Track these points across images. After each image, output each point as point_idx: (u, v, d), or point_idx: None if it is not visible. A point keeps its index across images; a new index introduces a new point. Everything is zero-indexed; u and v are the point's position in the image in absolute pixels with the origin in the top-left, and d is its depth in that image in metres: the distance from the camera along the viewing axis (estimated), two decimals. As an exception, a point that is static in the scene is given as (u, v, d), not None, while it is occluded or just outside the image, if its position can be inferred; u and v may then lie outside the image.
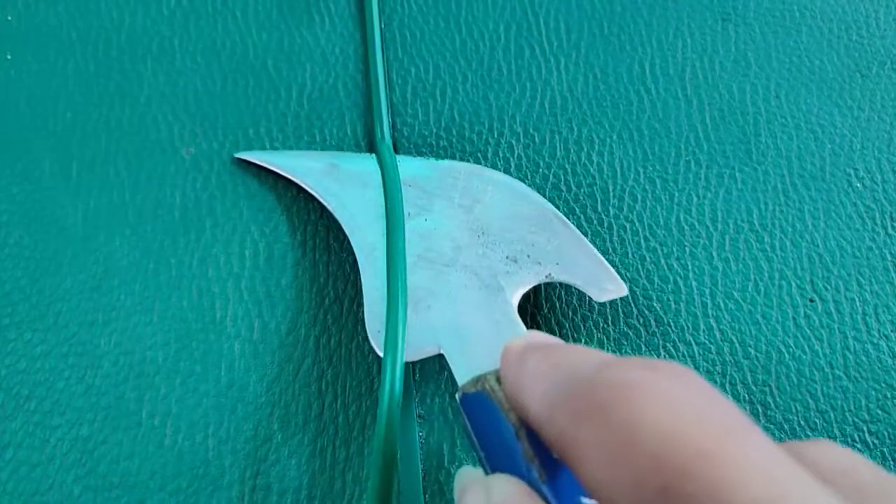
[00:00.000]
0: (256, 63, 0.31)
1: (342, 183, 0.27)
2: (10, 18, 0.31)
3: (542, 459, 0.15)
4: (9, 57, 0.31)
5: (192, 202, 0.28)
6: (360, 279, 0.25)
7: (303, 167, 0.28)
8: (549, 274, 0.25)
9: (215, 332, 0.26)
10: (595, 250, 0.26)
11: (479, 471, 0.17)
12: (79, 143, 0.29)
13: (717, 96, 0.30)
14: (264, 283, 0.26)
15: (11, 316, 0.26)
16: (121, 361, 0.25)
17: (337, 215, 0.27)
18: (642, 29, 0.31)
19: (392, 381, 0.22)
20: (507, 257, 0.25)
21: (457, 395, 0.18)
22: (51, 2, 0.32)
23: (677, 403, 0.11)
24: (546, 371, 0.14)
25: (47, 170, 0.29)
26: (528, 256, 0.25)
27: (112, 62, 0.31)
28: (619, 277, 0.25)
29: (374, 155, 0.29)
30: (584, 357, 0.14)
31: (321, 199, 0.27)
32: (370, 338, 0.24)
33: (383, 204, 0.27)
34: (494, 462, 0.16)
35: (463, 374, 0.21)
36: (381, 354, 0.23)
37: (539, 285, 0.26)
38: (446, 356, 0.22)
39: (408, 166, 0.28)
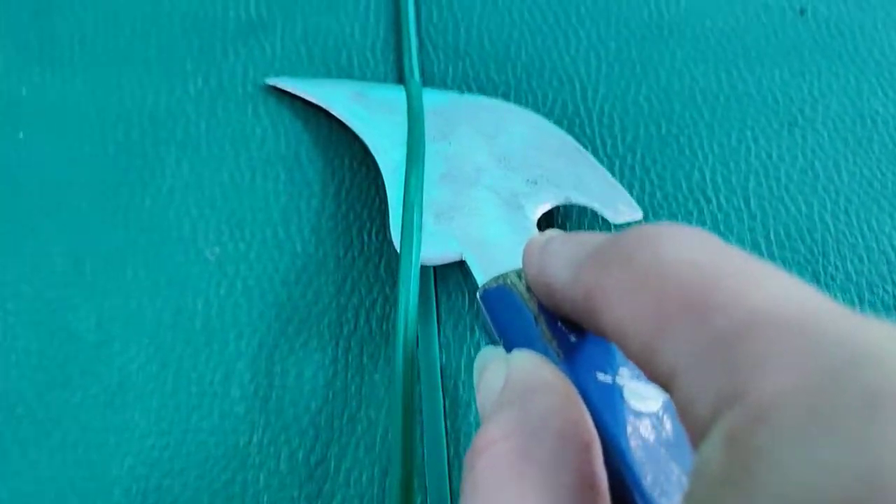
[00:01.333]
0: (289, 154, 0.29)
1: (369, 109, 0.28)
2: (23, 93, 0.29)
3: (560, 341, 0.16)
4: (21, 136, 0.29)
5: (215, 310, 0.26)
6: (385, 194, 0.26)
7: (331, 94, 0.29)
8: (567, 196, 0.26)
9: (238, 459, 0.24)
10: (611, 176, 0.27)
11: (499, 349, 0.17)
12: (94, 238, 0.27)
13: (782, 210, 0.28)
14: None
15: (15, 433, 0.24)
16: (133, 489, 0.23)
17: (363, 137, 0.27)
18: (703, 131, 0.29)
19: (409, 271, 0.23)
20: (527, 180, 0.26)
21: (478, 294, 0.19)
22: (68, 76, 0.30)
23: (694, 243, 0.13)
24: (571, 246, 0.15)
25: (59, 266, 0.26)
26: (548, 180, 0.26)
27: (133, 146, 0.29)
28: (633, 201, 0.26)
29: (400, 85, 0.29)
30: (604, 235, 0.15)
31: (348, 123, 0.28)
32: (394, 243, 0.24)
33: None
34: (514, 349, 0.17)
35: (483, 277, 0.21)
36: None
37: (556, 210, 0.26)
38: (468, 261, 0.23)
39: (433, 97, 0.29)
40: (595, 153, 0.29)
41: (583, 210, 0.27)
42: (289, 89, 0.29)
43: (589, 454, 0.14)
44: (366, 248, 0.27)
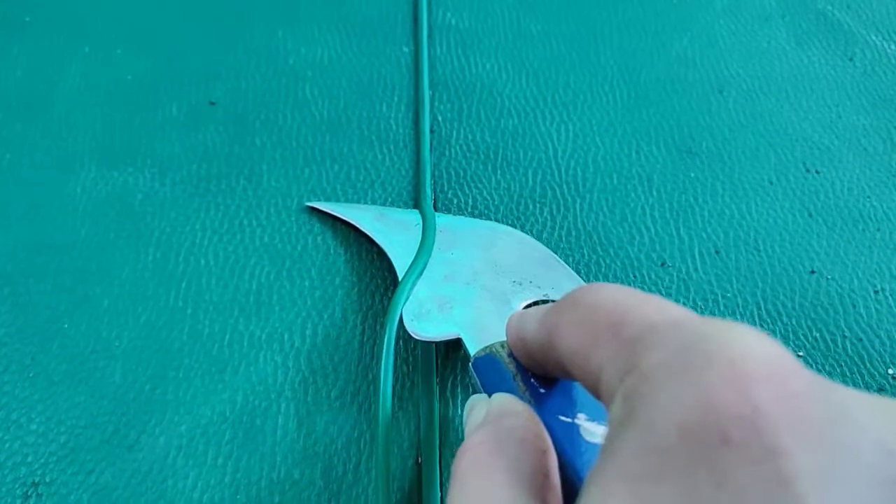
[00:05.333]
0: (324, 258, 0.37)
1: (388, 226, 0.35)
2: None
3: (532, 392, 0.21)
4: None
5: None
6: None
7: (358, 215, 0.35)
8: (545, 294, 0.31)
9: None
10: (580, 279, 0.33)
11: (484, 395, 0.23)
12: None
13: (724, 272, 0.36)
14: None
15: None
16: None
17: (384, 247, 0.34)
18: (651, 194, 0.38)
19: (389, 337, 0.30)
20: (513, 282, 0.32)
21: (470, 363, 0.25)
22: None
23: (619, 290, 0.17)
24: (537, 308, 0.20)
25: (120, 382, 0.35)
26: (530, 282, 0.32)
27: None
28: None
29: (415, 210, 0.36)
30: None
31: (372, 237, 0.34)
32: (406, 326, 0.30)
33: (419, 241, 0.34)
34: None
35: (475, 350, 0.26)
36: (414, 336, 0.29)
37: (535, 303, 0.32)
38: (463, 339, 0.28)
39: (441, 219, 0.35)
40: (562, 195, 0.37)
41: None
42: (325, 210, 0.36)
43: (544, 456, 0.19)
44: (380, 327, 0.32)
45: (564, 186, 0.38)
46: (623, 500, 0.13)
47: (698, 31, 0.45)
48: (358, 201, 0.37)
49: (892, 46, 0.45)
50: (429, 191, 0.37)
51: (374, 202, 0.37)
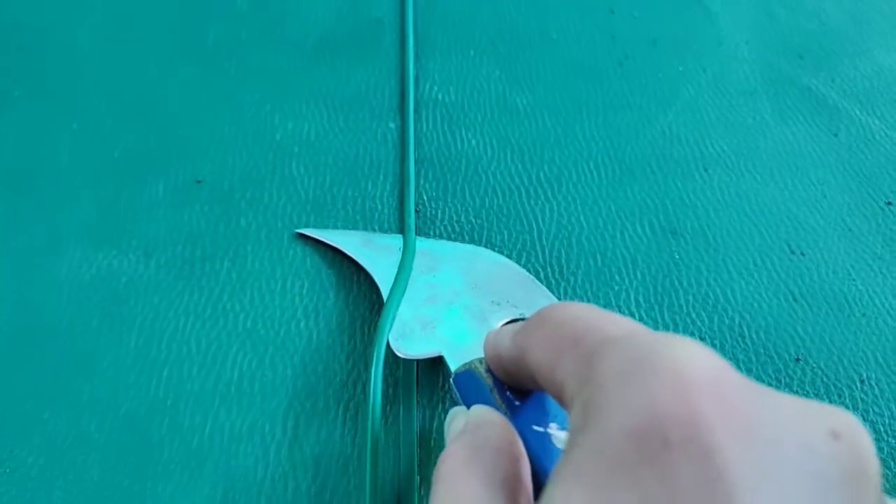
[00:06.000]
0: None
1: (374, 251, 0.37)
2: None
3: (507, 404, 0.23)
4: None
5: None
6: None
7: (345, 240, 0.37)
8: (522, 312, 0.33)
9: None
10: (555, 298, 0.35)
11: (464, 408, 0.24)
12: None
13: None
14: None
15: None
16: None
17: (369, 270, 0.36)
18: (630, 265, 0.38)
19: (378, 354, 0.32)
20: (492, 301, 0.34)
21: (451, 378, 0.27)
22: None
23: (582, 308, 0.19)
24: (511, 326, 0.22)
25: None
26: (508, 301, 0.34)
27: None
28: None
29: (399, 235, 0.38)
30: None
31: (358, 260, 0.36)
32: (391, 345, 0.32)
33: None
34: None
35: (455, 366, 0.28)
36: (398, 354, 0.32)
37: (514, 319, 0.33)
38: (444, 356, 0.31)
39: (424, 243, 0.38)
40: (546, 277, 0.37)
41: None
42: (314, 236, 0.38)
43: (518, 463, 0.20)
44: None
45: (549, 268, 0.38)
46: (579, 499, 0.15)
47: (683, 106, 0.46)
48: (341, 282, 0.37)
49: (876, 122, 0.45)
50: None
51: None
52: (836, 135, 0.44)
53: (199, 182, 0.41)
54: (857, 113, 0.46)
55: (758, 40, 0.50)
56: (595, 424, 0.15)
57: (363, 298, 0.36)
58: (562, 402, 0.18)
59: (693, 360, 0.15)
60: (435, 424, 0.32)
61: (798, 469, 0.14)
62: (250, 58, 0.48)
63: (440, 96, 0.46)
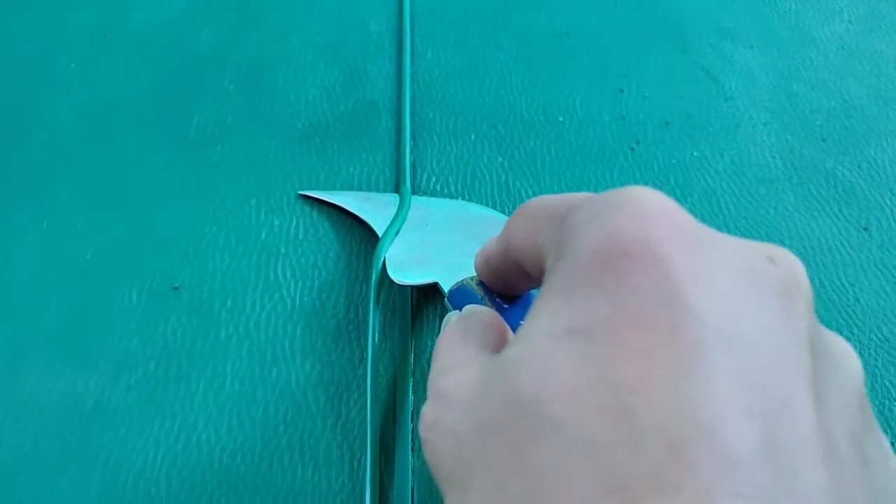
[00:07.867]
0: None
1: (373, 206, 0.40)
2: None
3: (497, 307, 0.25)
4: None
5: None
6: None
7: (345, 199, 0.41)
8: None
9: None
10: None
11: (458, 311, 0.26)
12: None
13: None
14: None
15: None
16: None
17: (367, 221, 0.39)
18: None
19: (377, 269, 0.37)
20: (482, 242, 0.37)
21: (445, 297, 0.29)
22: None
23: (553, 195, 0.21)
24: (496, 233, 0.24)
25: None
26: None
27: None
28: None
29: (395, 193, 0.41)
30: None
31: (358, 214, 0.40)
32: (389, 274, 0.36)
33: None
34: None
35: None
36: (396, 282, 0.35)
37: None
38: (439, 282, 0.34)
39: (418, 200, 0.41)
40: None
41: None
42: (316, 196, 0.41)
43: (504, 335, 0.23)
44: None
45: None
46: (554, 304, 0.17)
47: (700, 196, 0.42)
48: (332, 409, 0.34)
49: (910, 214, 0.42)
50: (410, 401, 0.34)
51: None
52: (866, 229, 0.41)
53: (175, 288, 0.38)
54: (888, 204, 0.42)
55: (777, 121, 0.47)
56: (566, 254, 0.18)
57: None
58: (544, 270, 0.20)
59: (651, 198, 0.17)
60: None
61: (738, 277, 0.16)
62: (236, 144, 0.45)
63: (438, 187, 0.43)
